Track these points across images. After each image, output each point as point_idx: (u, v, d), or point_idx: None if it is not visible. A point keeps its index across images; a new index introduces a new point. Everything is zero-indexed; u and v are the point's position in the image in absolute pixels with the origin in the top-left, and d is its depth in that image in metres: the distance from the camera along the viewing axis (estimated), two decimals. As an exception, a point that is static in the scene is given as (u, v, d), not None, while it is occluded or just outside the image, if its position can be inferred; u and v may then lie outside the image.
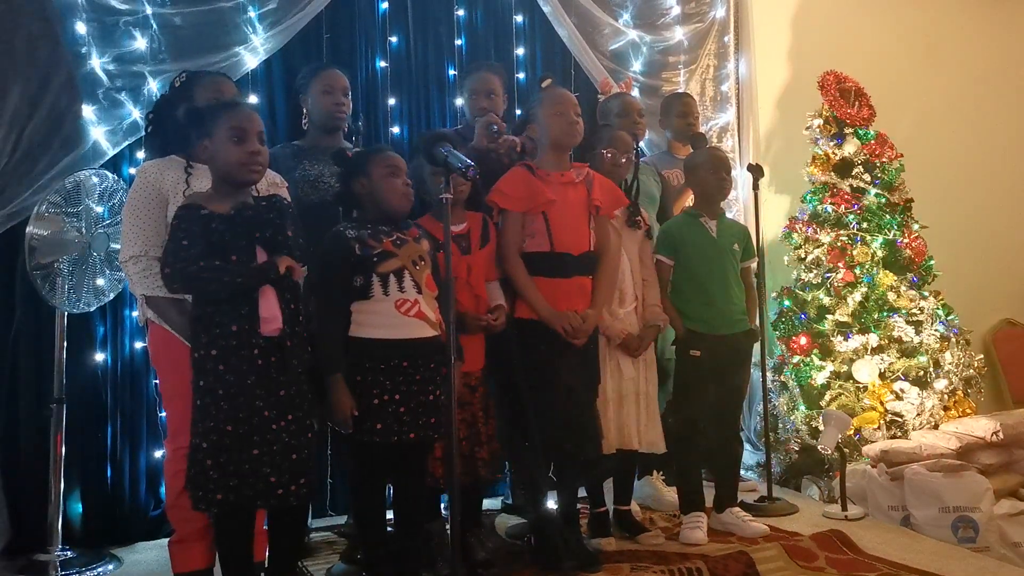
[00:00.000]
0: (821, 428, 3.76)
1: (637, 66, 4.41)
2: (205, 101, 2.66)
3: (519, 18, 4.21)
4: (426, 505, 2.83)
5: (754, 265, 3.54)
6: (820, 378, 4.02)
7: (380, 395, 2.55)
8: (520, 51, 4.21)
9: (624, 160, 3.29)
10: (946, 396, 4.00)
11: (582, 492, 3.18)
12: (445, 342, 2.56)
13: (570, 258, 2.99)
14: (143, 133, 2.96)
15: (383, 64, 3.92)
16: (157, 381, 2.89)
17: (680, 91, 4.37)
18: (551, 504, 3.00)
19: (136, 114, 3.28)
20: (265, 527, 2.54)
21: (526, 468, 2.97)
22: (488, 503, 3.29)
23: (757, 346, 3.61)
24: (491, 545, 3.04)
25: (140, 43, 3.32)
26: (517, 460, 3.07)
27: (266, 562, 2.59)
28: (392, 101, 3.94)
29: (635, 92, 4.25)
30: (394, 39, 3.96)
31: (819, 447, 3.66)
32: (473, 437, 2.85)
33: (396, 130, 3.93)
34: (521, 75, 4.17)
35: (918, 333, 4.07)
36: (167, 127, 2.75)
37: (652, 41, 4.44)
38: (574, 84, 4.21)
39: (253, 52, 3.51)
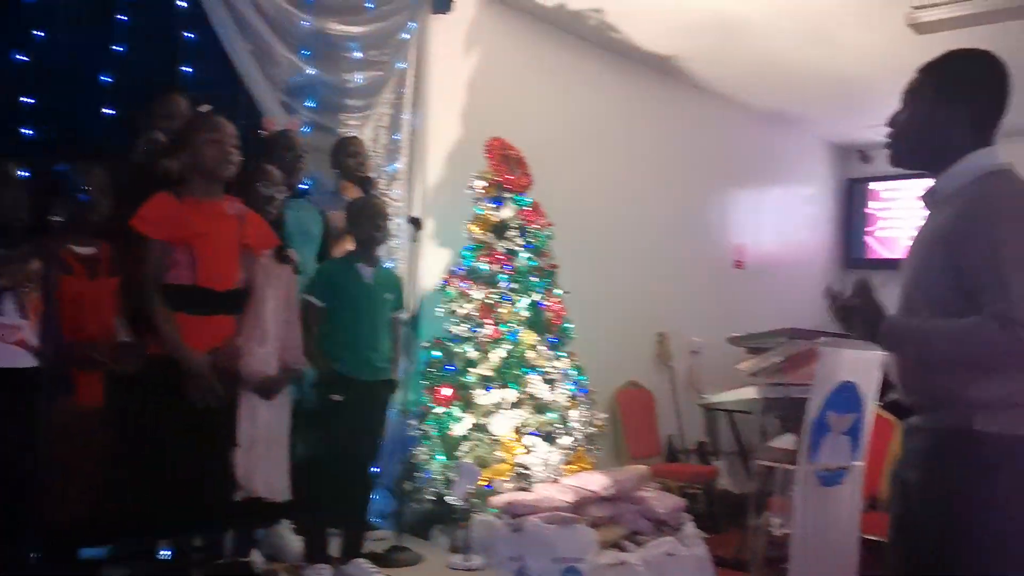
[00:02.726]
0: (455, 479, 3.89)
1: (312, 104, 4.35)
2: None
3: (190, 34, 3.99)
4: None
5: (404, 316, 3.61)
6: (459, 429, 4.16)
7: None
8: (186, 68, 3.98)
9: (279, 196, 3.24)
10: (570, 452, 4.32)
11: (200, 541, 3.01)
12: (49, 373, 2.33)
13: (215, 294, 2.86)
14: None
15: (22, 58, 3.52)
16: None
17: (353, 134, 4.39)
18: (164, 553, 2.81)
19: None
20: None
21: (138, 516, 2.74)
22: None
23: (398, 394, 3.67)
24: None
25: None
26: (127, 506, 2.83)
27: None
28: (31, 100, 3.53)
29: (308, 130, 4.21)
30: (41, 33, 3.57)
31: (450, 497, 3.77)
32: (83, 477, 2.59)
33: (30, 132, 3.52)
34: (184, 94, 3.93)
35: (551, 391, 4.36)
36: None
37: (330, 82, 4.40)
38: (240, 114, 4.04)
39: None
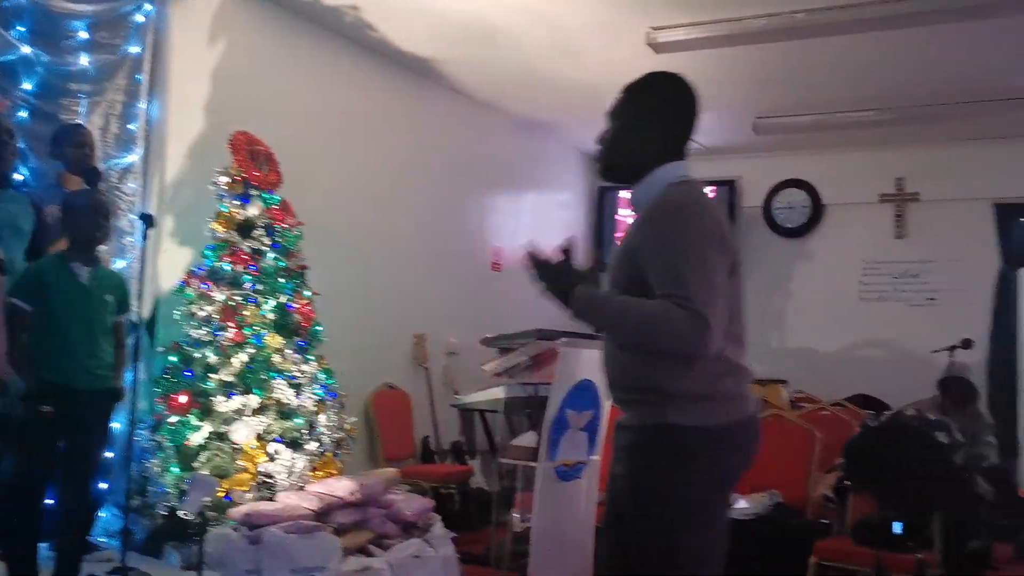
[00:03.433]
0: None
1: (29, 86, 3.96)
2: None
3: None
4: None
5: (128, 319, 3.36)
6: (197, 438, 3.92)
7: None
8: None
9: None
10: (316, 457, 4.20)
11: None
12: None
13: None
14: None
15: None
16: None
17: (78, 122, 4.04)
18: None
19: None
20: None
21: None
22: None
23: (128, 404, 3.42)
24: None
25: None
26: None
27: None
28: None
29: (24, 115, 3.84)
30: None
31: (181, 511, 3.55)
32: None
33: None
34: None
35: (298, 396, 4.22)
36: None
37: (51, 63, 4.02)
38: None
39: None
